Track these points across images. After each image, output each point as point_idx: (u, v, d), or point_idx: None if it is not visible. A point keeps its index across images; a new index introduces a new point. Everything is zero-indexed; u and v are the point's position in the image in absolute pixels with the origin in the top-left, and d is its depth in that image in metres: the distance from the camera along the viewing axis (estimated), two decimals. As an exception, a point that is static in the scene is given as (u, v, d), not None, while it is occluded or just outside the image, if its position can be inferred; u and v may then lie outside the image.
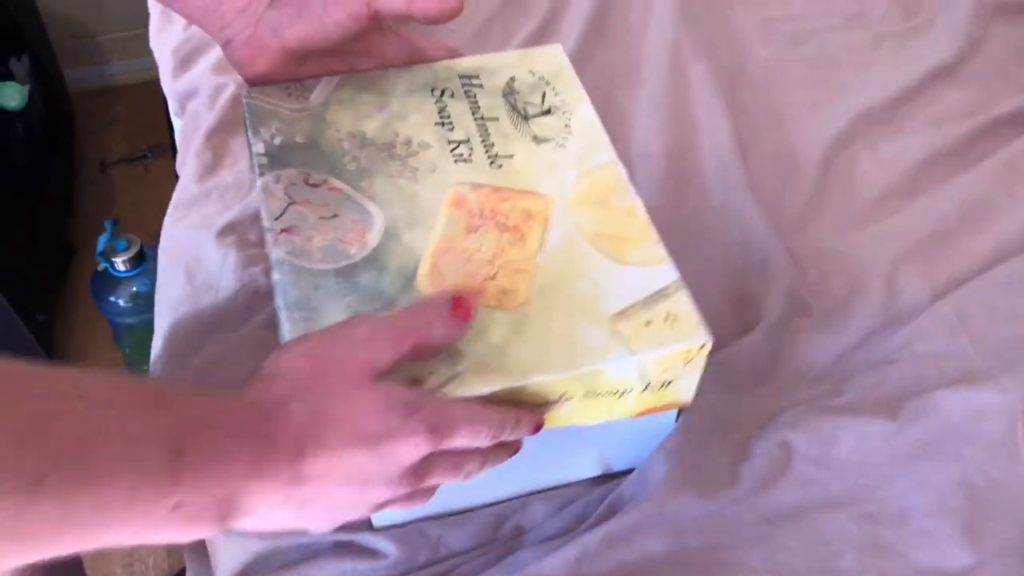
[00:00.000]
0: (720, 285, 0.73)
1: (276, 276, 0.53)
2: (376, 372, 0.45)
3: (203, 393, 0.43)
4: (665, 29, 0.98)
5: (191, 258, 0.77)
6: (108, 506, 0.36)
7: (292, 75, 0.62)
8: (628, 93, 0.92)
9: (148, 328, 0.76)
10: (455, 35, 1.00)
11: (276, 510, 0.43)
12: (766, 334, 0.68)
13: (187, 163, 0.87)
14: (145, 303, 1.31)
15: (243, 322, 0.70)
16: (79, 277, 1.53)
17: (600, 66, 0.96)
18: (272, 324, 0.70)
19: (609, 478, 0.62)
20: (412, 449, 0.44)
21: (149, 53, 1.07)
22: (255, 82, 0.62)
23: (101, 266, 1.31)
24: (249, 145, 0.60)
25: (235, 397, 0.44)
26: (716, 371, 0.65)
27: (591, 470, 0.62)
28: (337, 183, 0.57)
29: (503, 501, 0.61)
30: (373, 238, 0.54)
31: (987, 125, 0.86)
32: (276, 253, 0.53)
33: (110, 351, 1.45)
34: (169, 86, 0.97)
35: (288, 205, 0.55)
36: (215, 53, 0.95)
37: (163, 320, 0.74)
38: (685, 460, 0.59)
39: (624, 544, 0.56)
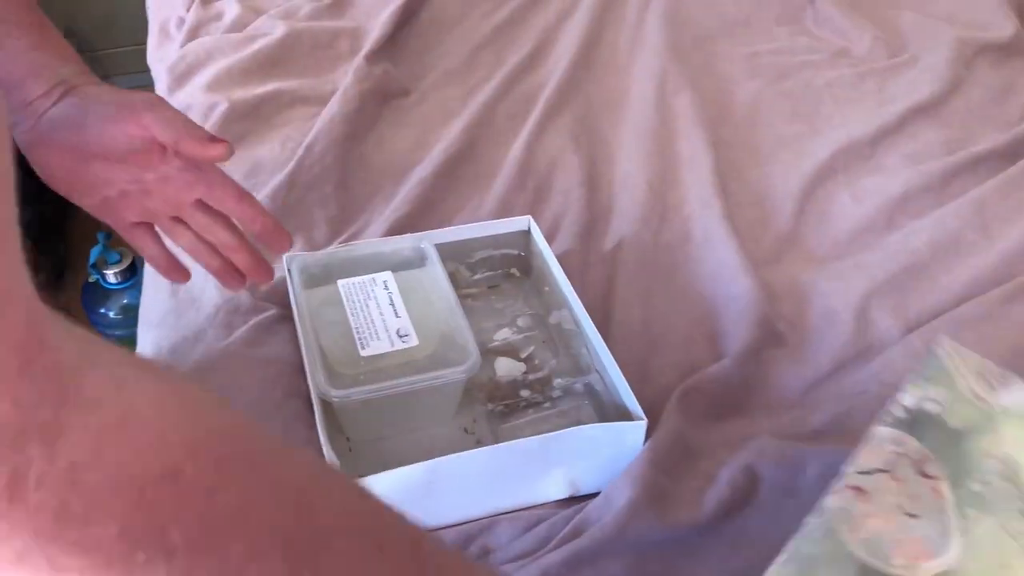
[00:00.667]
0: (694, 314, 0.74)
1: (816, 520, 0.45)
2: None
3: None
4: (652, 61, 1.00)
5: (176, 273, 0.78)
6: None
7: (77, 171, 0.62)
8: (613, 123, 0.94)
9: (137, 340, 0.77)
10: (446, 61, 1.02)
11: None
12: (737, 363, 0.69)
13: (177, 179, 0.88)
14: (135, 316, 1.30)
15: (223, 337, 0.71)
16: (71, 288, 1.54)
17: (587, 96, 0.97)
18: (251, 340, 0.71)
19: (576, 500, 0.63)
20: None
21: (148, 68, 1.09)
22: (39, 167, 0.61)
23: (93, 278, 1.32)
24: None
25: None
26: (686, 398, 0.66)
27: (559, 492, 0.63)
28: (946, 489, 0.47)
29: (471, 521, 0.62)
30: (930, 567, 0.44)
31: (964, 163, 0.87)
32: (827, 505, 0.46)
33: (99, 362, 1.46)
34: (163, 102, 0.98)
35: (879, 471, 0.48)
36: (209, 72, 0.97)
37: (146, 333, 0.76)
38: (650, 485, 0.59)
39: (587, 566, 0.56)
